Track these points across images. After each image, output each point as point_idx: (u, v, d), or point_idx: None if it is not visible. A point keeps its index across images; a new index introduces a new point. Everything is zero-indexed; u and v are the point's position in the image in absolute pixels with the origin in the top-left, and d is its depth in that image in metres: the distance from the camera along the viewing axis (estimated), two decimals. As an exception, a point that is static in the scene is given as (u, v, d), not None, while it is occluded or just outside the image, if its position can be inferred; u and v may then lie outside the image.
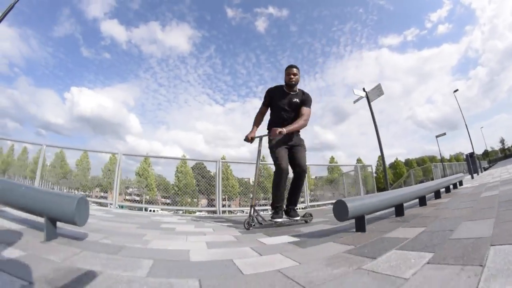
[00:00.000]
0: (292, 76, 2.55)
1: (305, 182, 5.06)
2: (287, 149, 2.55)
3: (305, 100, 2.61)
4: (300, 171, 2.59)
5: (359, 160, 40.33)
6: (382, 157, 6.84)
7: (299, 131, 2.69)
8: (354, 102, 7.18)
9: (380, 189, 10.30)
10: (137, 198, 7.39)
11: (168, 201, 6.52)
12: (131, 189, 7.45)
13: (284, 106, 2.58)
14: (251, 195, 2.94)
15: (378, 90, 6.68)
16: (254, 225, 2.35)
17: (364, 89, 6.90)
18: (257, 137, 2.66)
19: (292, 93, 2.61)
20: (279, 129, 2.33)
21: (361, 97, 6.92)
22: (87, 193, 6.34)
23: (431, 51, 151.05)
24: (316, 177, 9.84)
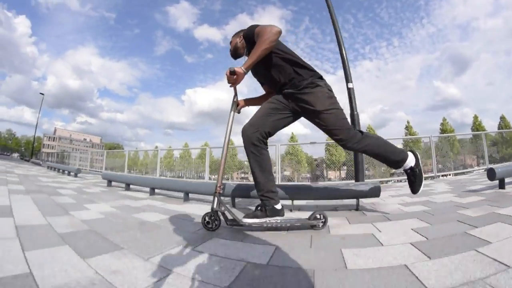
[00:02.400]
0: (230, 49, 1.87)
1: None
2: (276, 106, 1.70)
3: (248, 36, 1.67)
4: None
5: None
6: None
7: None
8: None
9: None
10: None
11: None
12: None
13: (258, 79, 1.93)
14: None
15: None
16: (215, 225, 1.57)
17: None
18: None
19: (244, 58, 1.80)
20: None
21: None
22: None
23: None
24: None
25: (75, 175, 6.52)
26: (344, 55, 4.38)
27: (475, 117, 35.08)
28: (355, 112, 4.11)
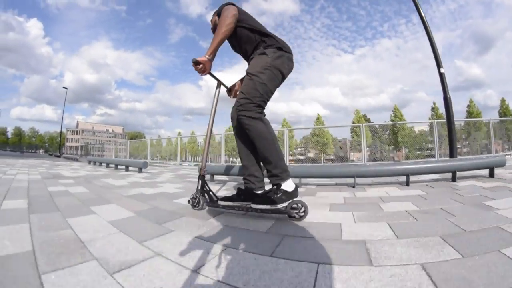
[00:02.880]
0: (211, 27, 1.78)
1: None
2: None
3: (219, 15, 1.66)
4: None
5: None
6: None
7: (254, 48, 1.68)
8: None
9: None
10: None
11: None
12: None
13: (240, 53, 1.83)
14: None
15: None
16: (198, 204, 1.69)
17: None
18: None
19: None
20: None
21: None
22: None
23: None
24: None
25: (140, 170, 4.97)
26: (433, 41, 4.54)
27: (502, 100, 33.64)
28: (448, 96, 4.43)
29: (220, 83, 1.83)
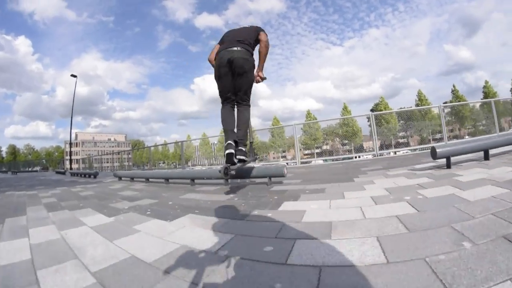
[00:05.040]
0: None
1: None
2: None
3: (255, 34, 2.66)
4: None
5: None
6: None
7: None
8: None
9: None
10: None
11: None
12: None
13: None
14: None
15: None
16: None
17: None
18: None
19: None
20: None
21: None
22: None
23: None
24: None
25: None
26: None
27: (486, 82, 35.55)
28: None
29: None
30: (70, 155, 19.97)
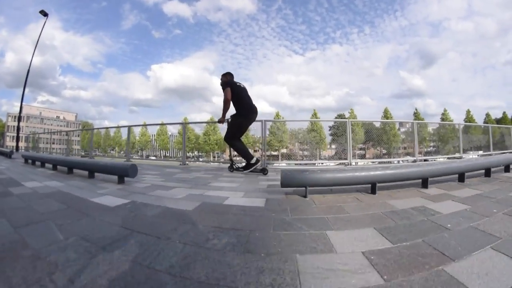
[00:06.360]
0: (221, 83, 3.71)
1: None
2: None
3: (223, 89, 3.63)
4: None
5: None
6: None
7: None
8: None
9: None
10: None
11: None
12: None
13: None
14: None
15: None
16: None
17: None
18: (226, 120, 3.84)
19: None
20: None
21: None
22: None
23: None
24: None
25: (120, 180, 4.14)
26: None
27: (445, 110, 40.28)
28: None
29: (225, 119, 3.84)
30: (18, 131, 15.04)
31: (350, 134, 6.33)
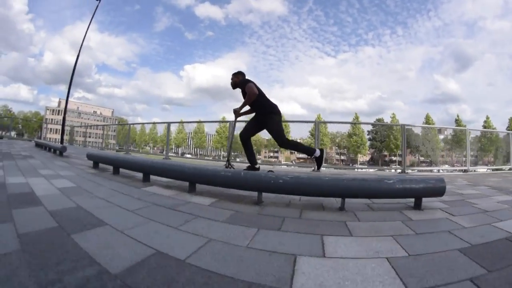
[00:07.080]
0: (231, 83, 3.51)
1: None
2: (254, 121, 3.46)
3: (242, 85, 3.37)
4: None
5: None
6: None
7: (256, 107, 3.40)
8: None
9: None
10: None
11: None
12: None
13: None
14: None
15: None
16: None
17: None
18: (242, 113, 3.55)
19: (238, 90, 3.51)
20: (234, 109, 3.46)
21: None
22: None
23: None
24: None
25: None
26: None
27: (487, 117, 38.41)
28: None
29: (235, 119, 3.62)
30: (63, 125, 12.46)
31: (405, 140, 5.83)
